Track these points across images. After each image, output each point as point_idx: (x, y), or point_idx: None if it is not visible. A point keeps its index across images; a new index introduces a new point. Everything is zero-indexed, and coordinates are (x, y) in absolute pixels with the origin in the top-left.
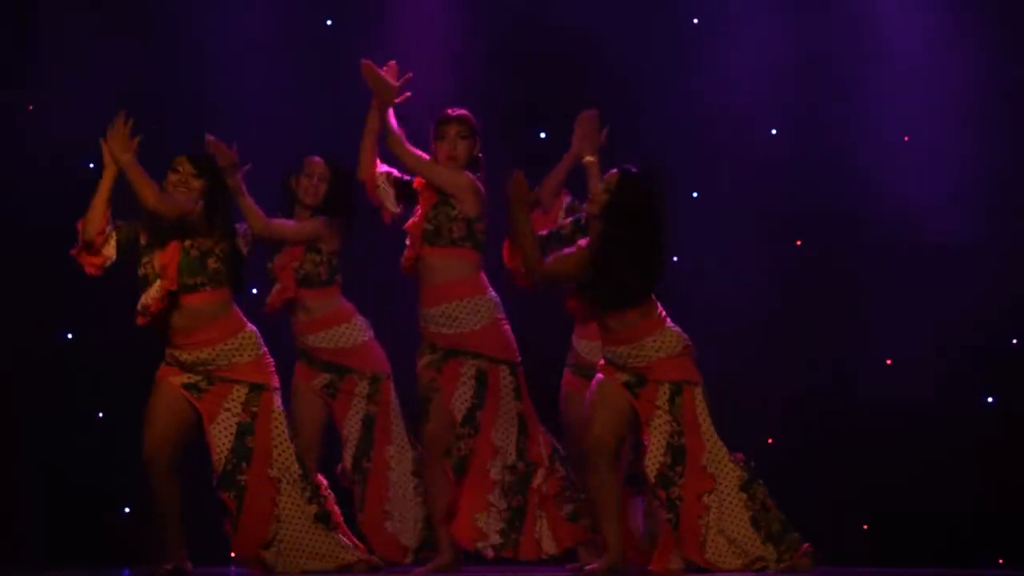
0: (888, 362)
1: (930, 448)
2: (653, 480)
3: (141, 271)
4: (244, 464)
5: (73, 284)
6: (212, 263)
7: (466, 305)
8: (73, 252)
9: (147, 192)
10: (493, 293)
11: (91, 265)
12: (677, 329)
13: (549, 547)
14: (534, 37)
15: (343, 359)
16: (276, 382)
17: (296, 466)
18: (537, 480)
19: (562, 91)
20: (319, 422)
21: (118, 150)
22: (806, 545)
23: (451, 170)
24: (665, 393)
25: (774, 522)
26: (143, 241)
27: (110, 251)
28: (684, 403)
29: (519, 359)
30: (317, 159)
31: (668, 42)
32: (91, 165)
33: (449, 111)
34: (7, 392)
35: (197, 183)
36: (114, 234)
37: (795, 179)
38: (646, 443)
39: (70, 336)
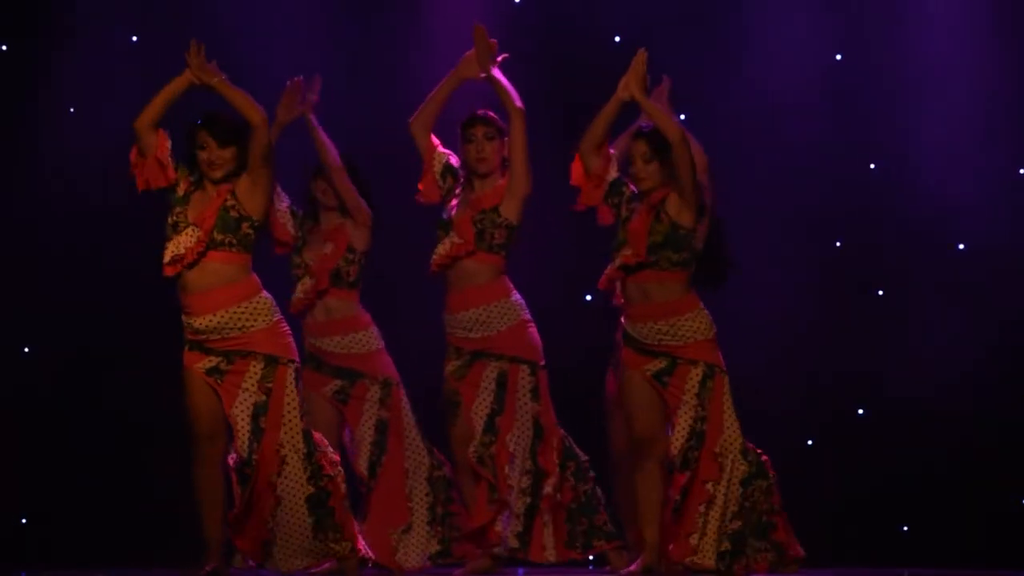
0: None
1: (963, 449)
2: (679, 464)
3: (172, 219)
4: (256, 445)
5: (112, 287)
6: (245, 227)
7: (493, 309)
8: (132, 160)
9: (253, 112)
10: (517, 295)
11: (150, 171)
12: (708, 313)
13: (551, 555)
14: (567, 40)
15: (353, 364)
16: (292, 354)
17: (302, 445)
18: (547, 488)
19: (595, 96)
20: (334, 428)
21: (206, 76)
22: (799, 551)
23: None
24: (697, 375)
25: (754, 523)
26: (179, 191)
27: (171, 171)
28: (714, 388)
29: (543, 361)
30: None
31: (703, 44)
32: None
33: (476, 112)
34: (36, 395)
35: (228, 153)
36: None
37: (829, 182)
38: (674, 428)
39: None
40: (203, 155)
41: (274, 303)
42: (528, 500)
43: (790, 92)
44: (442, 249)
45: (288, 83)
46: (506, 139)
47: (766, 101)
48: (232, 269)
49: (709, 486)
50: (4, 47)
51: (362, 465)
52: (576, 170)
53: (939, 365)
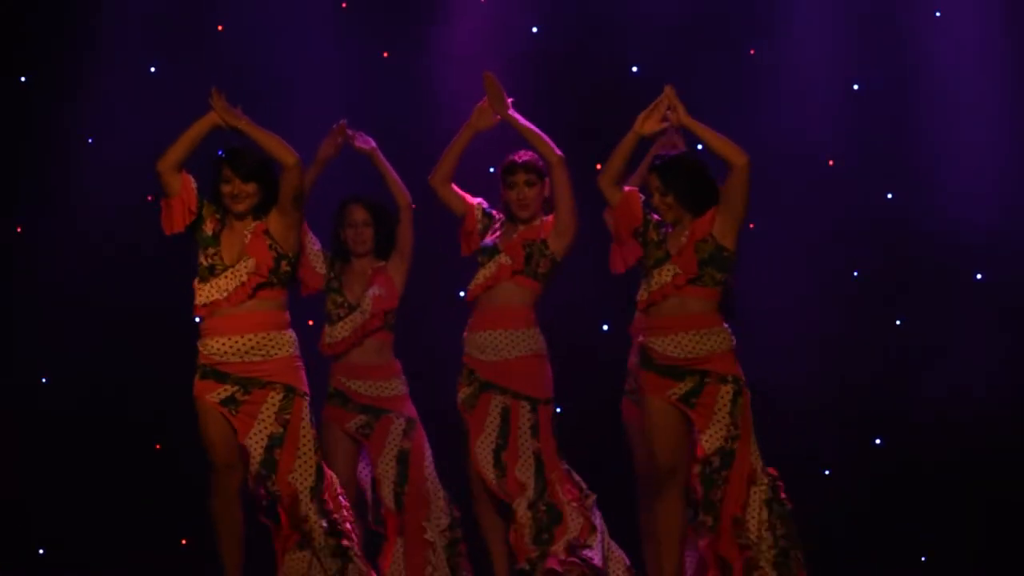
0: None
1: (984, 477)
2: (699, 480)
3: (206, 261)
4: (273, 476)
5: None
6: (284, 265)
7: (514, 335)
8: (160, 202)
9: (285, 155)
10: (539, 332)
11: (176, 214)
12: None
13: None
14: (585, 68)
15: (382, 404)
16: (307, 388)
17: (312, 478)
18: (565, 527)
19: (612, 122)
20: (352, 461)
21: (231, 119)
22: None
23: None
24: (728, 393)
25: (772, 551)
26: (207, 230)
27: (194, 205)
28: (742, 406)
29: (547, 396)
30: (355, 207)
31: (722, 72)
32: (149, 197)
33: (515, 157)
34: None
35: (251, 187)
36: (201, 201)
37: (846, 211)
38: (700, 448)
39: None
40: (226, 189)
41: (297, 341)
42: (540, 539)
43: (809, 120)
44: (486, 272)
45: (334, 126)
46: (546, 180)
47: (785, 127)
48: (269, 303)
49: (743, 511)
50: (23, 78)
51: (388, 498)
52: (616, 226)
53: (960, 385)
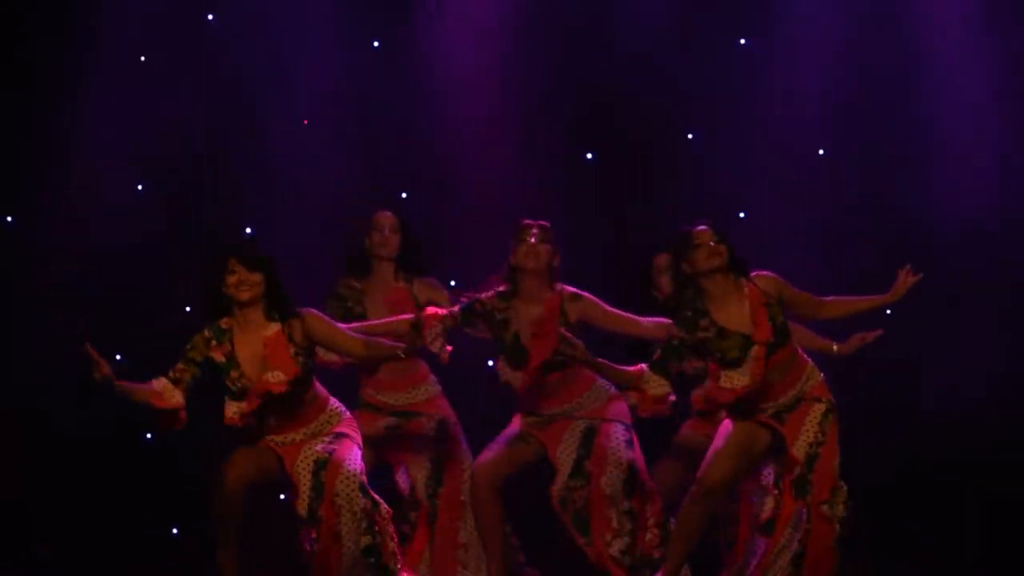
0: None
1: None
2: (790, 488)
3: (233, 386)
4: (320, 500)
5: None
6: (302, 358)
7: (585, 397)
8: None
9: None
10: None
11: (168, 424)
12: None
13: None
14: (585, 59)
15: (415, 408)
16: (358, 433)
17: (359, 497)
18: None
19: (611, 113)
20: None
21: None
22: None
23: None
24: (820, 410)
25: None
26: (219, 358)
27: (177, 399)
28: (832, 422)
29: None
30: (385, 212)
31: (716, 63)
32: (140, 187)
33: (528, 221)
34: (59, 415)
35: (256, 277)
36: (174, 386)
37: (847, 203)
38: (793, 457)
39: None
40: (232, 279)
41: (342, 407)
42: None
43: (805, 112)
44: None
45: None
46: (557, 251)
47: (780, 120)
48: (306, 396)
49: (825, 508)
50: (19, 73)
51: (421, 493)
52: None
53: (972, 379)
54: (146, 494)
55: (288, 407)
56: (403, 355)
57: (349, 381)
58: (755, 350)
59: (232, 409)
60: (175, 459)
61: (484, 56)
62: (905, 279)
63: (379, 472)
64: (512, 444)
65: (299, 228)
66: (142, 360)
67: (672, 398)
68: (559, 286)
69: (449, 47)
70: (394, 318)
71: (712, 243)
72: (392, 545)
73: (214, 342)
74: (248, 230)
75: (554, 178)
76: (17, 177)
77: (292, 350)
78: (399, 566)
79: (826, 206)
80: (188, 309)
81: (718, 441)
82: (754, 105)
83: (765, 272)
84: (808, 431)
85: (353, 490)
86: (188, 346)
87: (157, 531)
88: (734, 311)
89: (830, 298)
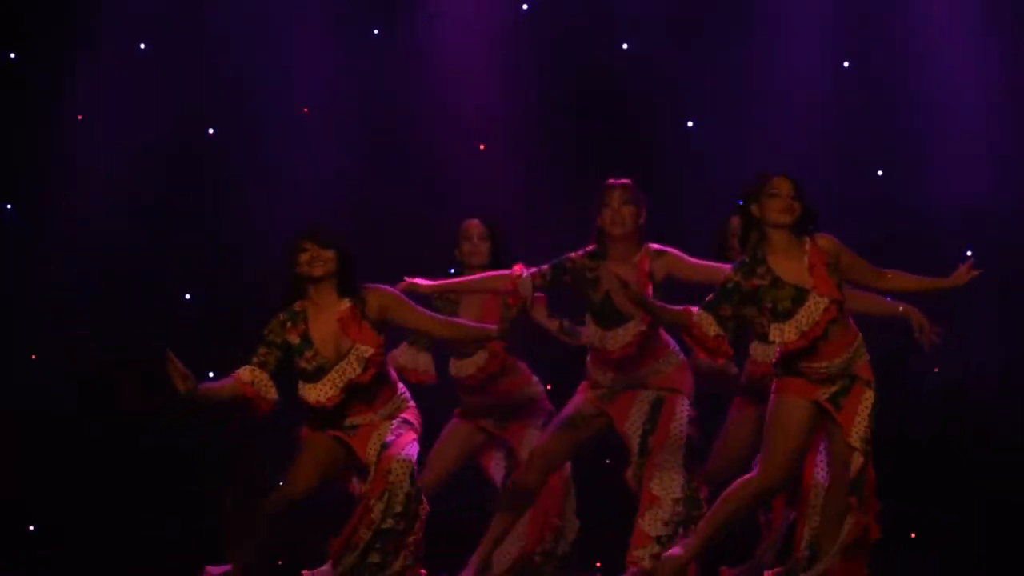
0: (936, 369)
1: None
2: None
3: (310, 365)
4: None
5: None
6: (378, 331)
7: (660, 362)
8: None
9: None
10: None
11: (262, 410)
12: None
13: None
14: (575, 45)
15: (515, 404)
16: (420, 430)
17: (406, 482)
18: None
19: (611, 97)
20: (465, 456)
21: None
22: None
23: None
24: (870, 399)
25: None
26: (293, 340)
27: (269, 386)
28: (874, 416)
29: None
30: (473, 220)
31: (716, 56)
32: (139, 178)
33: (612, 181)
34: (62, 405)
35: (329, 253)
36: (262, 369)
37: (837, 189)
38: (853, 447)
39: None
40: (304, 256)
41: (407, 391)
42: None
43: (798, 96)
44: (626, 336)
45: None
46: (642, 207)
47: (774, 105)
48: (379, 379)
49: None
50: (12, 55)
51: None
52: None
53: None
54: (145, 494)
55: (368, 390)
56: (496, 336)
57: None
58: (816, 302)
59: (315, 392)
60: (174, 459)
61: (483, 46)
62: (968, 270)
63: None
64: (571, 428)
65: (298, 221)
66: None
67: (726, 345)
68: (647, 244)
69: (448, 38)
70: (487, 274)
71: (789, 197)
72: (413, 541)
73: (289, 324)
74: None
75: (553, 169)
76: (17, 169)
77: (367, 324)
78: (409, 563)
79: (826, 201)
80: (187, 297)
81: (773, 427)
82: (753, 99)
83: (826, 234)
84: (861, 423)
85: (404, 473)
86: (266, 330)
87: (156, 531)
88: (794, 265)
89: (889, 270)
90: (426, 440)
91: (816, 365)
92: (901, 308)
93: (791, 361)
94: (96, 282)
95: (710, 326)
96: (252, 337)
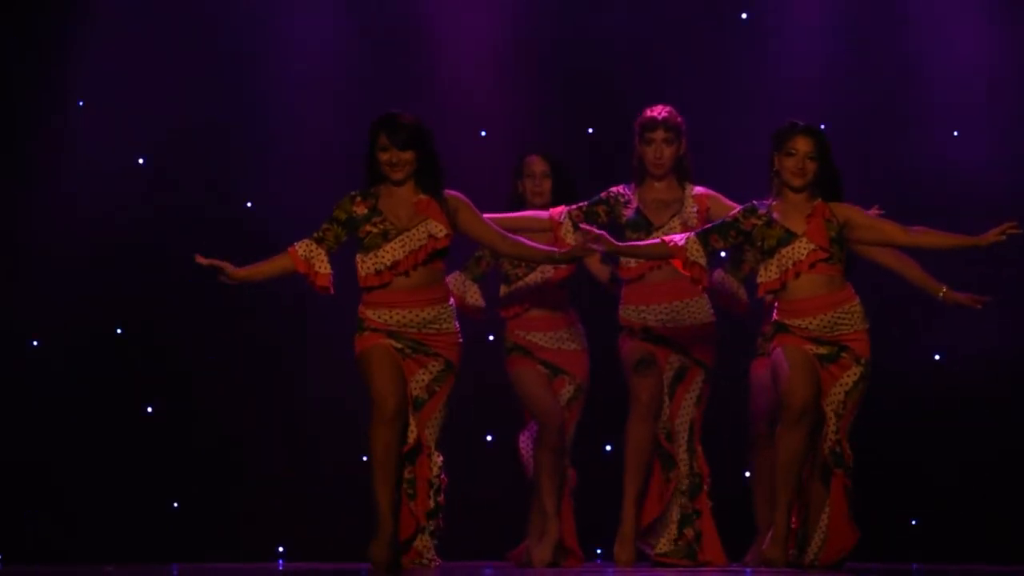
0: (937, 358)
1: (969, 444)
2: (832, 462)
3: (375, 229)
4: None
5: (122, 278)
6: (447, 230)
7: (688, 303)
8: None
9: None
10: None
11: (322, 286)
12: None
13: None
14: (579, 38)
15: (560, 361)
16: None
17: (435, 449)
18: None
19: (609, 89)
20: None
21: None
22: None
23: None
24: (854, 376)
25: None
26: (359, 212)
27: (323, 262)
28: (861, 391)
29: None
30: (533, 157)
31: (718, 39)
32: (140, 161)
33: (654, 114)
34: (62, 385)
35: (407, 155)
36: (318, 245)
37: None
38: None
39: (119, 331)
40: (384, 156)
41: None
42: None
43: (804, 88)
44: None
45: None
46: (684, 140)
47: (778, 96)
48: (438, 273)
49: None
50: (10, 42)
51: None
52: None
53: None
54: (147, 467)
55: (425, 275)
56: (560, 259)
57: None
58: (802, 244)
59: (368, 265)
60: (175, 432)
61: (485, 25)
62: (1005, 227)
63: None
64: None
65: (298, 200)
66: (142, 333)
67: (705, 276)
68: (690, 187)
69: (448, 18)
70: (527, 213)
71: (806, 158)
72: (428, 497)
73: (359, 199)
74: (248, 204)
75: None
76: (14, 150)
77: (443, 213)
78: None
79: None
80: (189, 281)
81: (781, 367)
82: (754, 80)
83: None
84: (837, 392)
85: (433, 440)
86: (335, 207)
87: (158, 505)
88: (794, 214)
89: (917, 227)
90: None
91: (799, 322)
92: (942, 293)
93: (780, 323)
94: (99, 265)
95: (696, 252)
96: (256, 316)
